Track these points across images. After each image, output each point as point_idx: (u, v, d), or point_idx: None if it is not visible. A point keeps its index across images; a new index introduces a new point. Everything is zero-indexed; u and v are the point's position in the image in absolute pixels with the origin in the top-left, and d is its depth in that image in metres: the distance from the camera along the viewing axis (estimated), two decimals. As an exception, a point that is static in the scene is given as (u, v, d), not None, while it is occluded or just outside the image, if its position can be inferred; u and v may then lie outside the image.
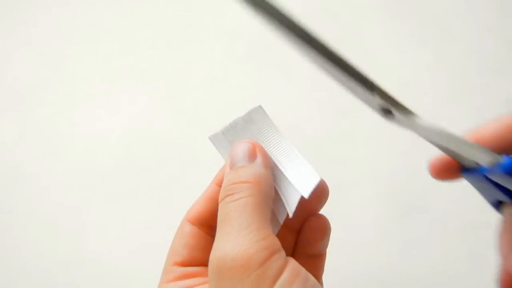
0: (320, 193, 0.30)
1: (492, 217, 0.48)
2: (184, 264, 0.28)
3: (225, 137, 0.29)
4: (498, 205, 0.29)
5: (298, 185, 0.28)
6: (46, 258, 0.46)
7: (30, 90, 0.54)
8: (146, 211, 0.47)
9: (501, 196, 0.27)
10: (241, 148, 0.28)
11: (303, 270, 0.24)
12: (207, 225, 0.29)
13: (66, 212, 0.47)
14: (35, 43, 0.57)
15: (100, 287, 0.44)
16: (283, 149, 0.30)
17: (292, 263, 0.24)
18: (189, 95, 0.53)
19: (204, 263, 0.28)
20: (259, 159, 0.28)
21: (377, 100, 0.25)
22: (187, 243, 0.29)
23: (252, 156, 0.28)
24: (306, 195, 0.28)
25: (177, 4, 0.59)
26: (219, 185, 0.30)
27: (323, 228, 0.31)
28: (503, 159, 0.25)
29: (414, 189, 0.46)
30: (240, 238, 0.24)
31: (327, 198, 0.31)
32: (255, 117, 0.30)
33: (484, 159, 0.26)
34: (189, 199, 0.46)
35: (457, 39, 0.55)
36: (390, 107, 0.26)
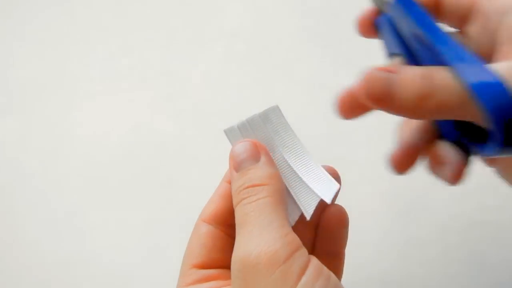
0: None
1: (492, 217, 0.48)
2: (203, 266, 0.28)
3: (240, 132, 0.29)
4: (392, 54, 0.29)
5: (317, 190, 0.28)
6: (46, 258, 0.46)
7: (30, 90, 0.54)
8: (146, 211, 0.47)
9: (397, 47, 0.28)
10: (242, 149, 0.28)
11: (325, 268, 0.24)
12: (224, 223, 0.29)
13: (66, 212, 0.48)
14: (35, 43, 0.57)
15: (100, 287, 0.44)
16: (297, 152, 0.29)
17: (315, 260, 0.24)
18: (189, 95, 0.53)
19: (223, 265, 0.28)
20: (263, 158, 0.27)
21: None
22: (205, 244, 0.28)
23: (256, 156, 0.27)
24: (328, 201, 0.28)
25: (177, 4, 0.59)
26: (229, 183, 0.29)
27: (341, 215, 0.30)
28: None
29: (414, 189, 0.46)
30: (263, 235, 0.24)
31: (340, 187, 0.31)
32: (271, 116, 0.29)
33: None
34: (189, 199, 0.47)
35: (457, 39, 0.55)
36: None
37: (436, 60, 0.24)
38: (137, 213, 0.47)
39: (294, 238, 0.24)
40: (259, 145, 0.28)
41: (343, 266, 0.31)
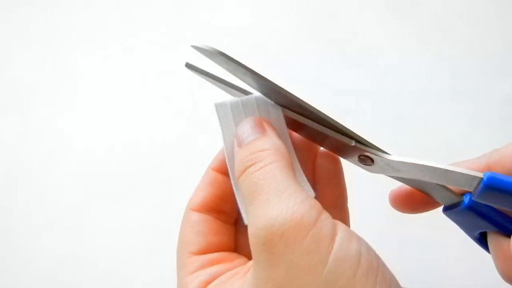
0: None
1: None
2: (203, 252, 0.26)
3: (231, 110, 0.27)
4: (481, 239, 0.30)
5: None
6: (46, 258, 0.46)
7: (30, 90, 0.54)
8: (146, 211, 0.47)
9: (485, 226, 0.28)
10: (247, 125, 0.26)
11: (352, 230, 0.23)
12: (214, 210, 0.27)
13: (66, 212, 0.48)
14: (35, 43, 0.57)
15: (100, 287, 0.44)
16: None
17: (340, 222, 0.23)
18: (189, 95, 0.53)
19: (222, 248, 0.27)
20: (269, 131, 0.26)
21: (357, 149, 0.26)
22: (200, 231, 0.27)
23: (260, 128, 0.26)
24: None
25: (177, 4, 0.59)
26: (216, 170, 0.28)
27: (332, 157, 0.29)
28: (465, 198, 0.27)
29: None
30: (283, 202, 0.22)
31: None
32: (268, 104, 0.27)
33: (448, 196, 0.28)
34: (188, 198, 0.46)
35: (457, 39, 0.55)
36: (369, 154, 0.26)
37: None
38: (136, 212, 0.47)
39: (316, 202, 0.23)
40: (266, 121, 0.26)
41: (349, 218, 0.31)
